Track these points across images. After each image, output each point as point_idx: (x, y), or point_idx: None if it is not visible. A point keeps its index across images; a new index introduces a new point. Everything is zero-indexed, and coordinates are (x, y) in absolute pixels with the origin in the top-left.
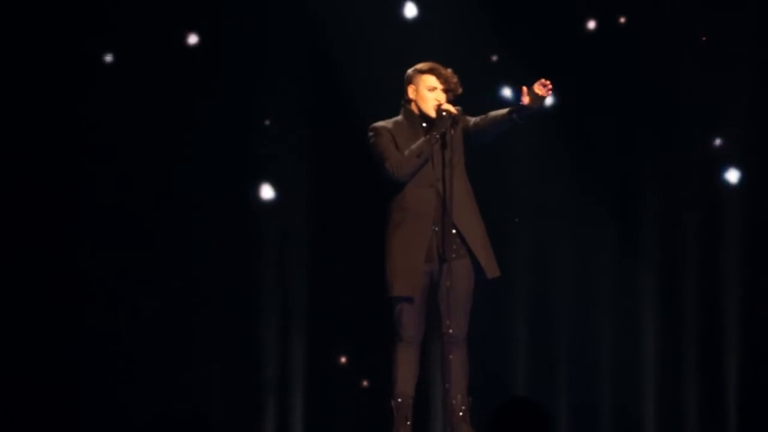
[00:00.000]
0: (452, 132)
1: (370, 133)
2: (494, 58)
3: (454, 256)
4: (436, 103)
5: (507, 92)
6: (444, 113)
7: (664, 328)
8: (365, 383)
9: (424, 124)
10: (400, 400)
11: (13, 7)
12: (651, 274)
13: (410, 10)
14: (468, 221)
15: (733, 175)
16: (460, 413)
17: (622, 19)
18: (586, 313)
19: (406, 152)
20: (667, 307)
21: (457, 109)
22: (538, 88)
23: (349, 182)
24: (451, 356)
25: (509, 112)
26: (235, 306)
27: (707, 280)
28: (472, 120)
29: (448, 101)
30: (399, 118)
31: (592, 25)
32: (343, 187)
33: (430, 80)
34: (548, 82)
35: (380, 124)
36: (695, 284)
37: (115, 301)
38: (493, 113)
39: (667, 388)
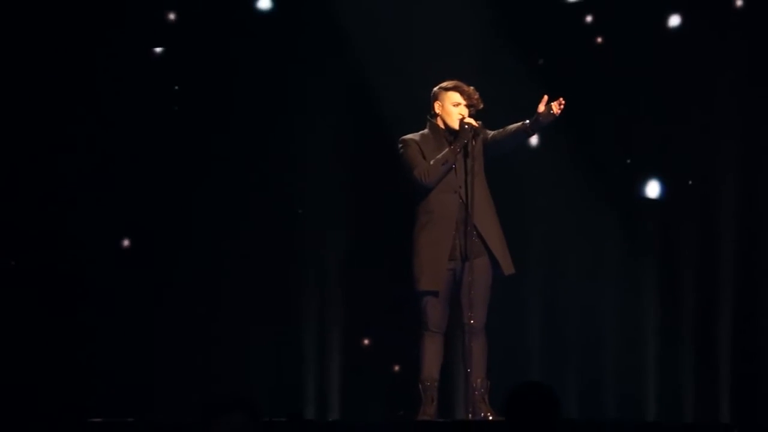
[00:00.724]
0: (473, 143)
1: (400, 145)
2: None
3: (474, 254)
4: (460, 116)
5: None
6: (466, 126)
7: (663, 317)
8: (396, 368)
9: (447, 133)
10: (427, 383)
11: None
12: (652, 270)
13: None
14: (487, 223)
15: (653, 190)
16: (480, 395)
17: (599, 39)
18: (592, 305)
19: (432, 161)
20: (667, 299)
21: (477, 123)
22: (555, 105)
23: (380, 188)
24: (471, 344)
25: (522, 124)
26: (280, 300)
27: (704, 273)
28: (491, 133)
29: (470, 115)
30: (425, 131)
31: (599, 39)
32: (375, 192)
33: (455, 96)
34: (564, 103)
35: (408, 136)
36: (693, 278)
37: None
38: (510, 126)
39: (666, 373)
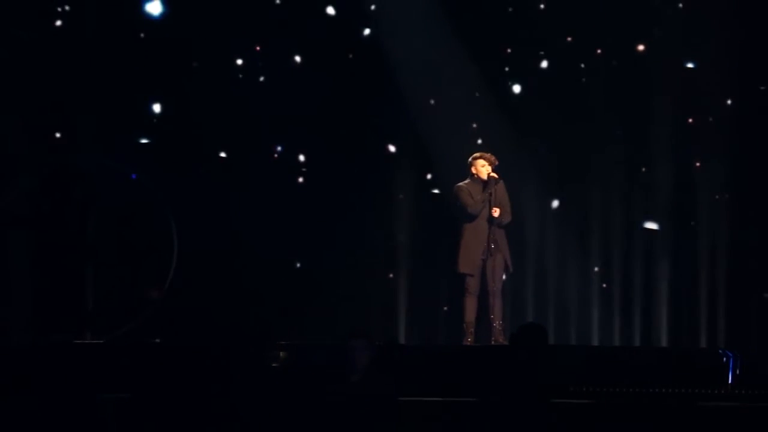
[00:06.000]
0: (495, 188)
1: (456, 190)
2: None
3: (494, 252)
4: (487, 172)
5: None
6: (492, 178)
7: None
8: (445, 308)
9: (480, 181)
10: (468, 323)
11: None
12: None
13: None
14: (502, 238)
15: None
16: (499, 331)
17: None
18: (562, 292)
19: (476, 201)
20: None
21: (498, 176)
22: (493, 211)
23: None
24: (494, 301)
25: None
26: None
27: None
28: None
29: (492, 170)
30: (468, 181)
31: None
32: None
33: (483, 161)
34: (498, 211)
35: (461, 184)
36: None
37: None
38: None
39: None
